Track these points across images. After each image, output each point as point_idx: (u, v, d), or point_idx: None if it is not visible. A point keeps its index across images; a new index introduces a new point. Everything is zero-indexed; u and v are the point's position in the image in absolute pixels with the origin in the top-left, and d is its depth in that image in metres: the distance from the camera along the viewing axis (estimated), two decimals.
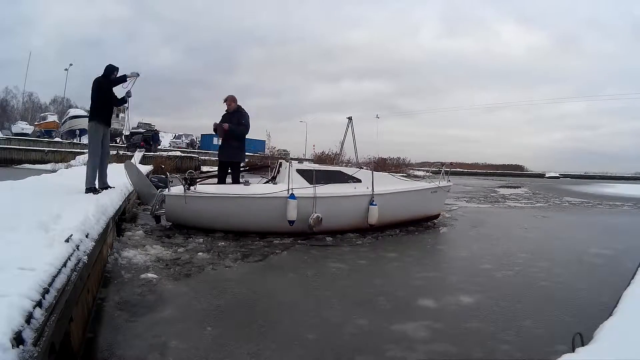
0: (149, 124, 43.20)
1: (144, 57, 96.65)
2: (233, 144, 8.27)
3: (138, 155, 26.22)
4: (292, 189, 7.28)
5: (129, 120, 10.88)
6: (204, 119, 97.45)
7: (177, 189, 7.44)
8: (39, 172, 9.56)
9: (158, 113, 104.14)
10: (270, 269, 5.56)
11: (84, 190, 6.07)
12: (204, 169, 24.83)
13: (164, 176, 9.85)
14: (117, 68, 6.53)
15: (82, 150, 27.76)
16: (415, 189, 9.51)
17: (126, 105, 7.10)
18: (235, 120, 8.18)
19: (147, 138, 31.96)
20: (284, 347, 3.20)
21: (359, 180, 8.39)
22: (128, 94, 6.76)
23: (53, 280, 2.32)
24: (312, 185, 7.62)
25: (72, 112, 38.67)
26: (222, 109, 8.49)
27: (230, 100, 8.26)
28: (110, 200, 5.60)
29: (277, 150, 40.85)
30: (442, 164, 10.70)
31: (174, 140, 45.09)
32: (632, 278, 3.20)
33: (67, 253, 2.78)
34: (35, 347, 1.77)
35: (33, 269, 2.28)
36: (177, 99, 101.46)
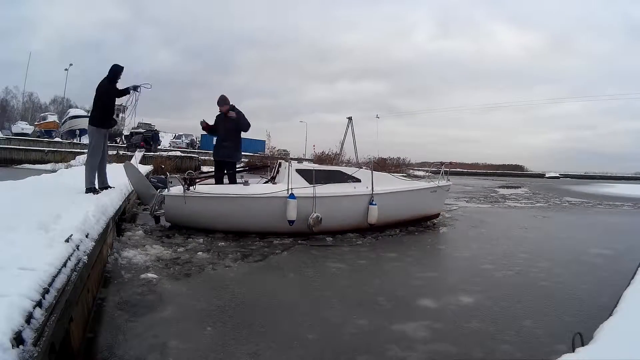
0: (149, 124, 43.13)
1: (143, 58, 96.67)
2: (228, 143, 8.25)
3: (138, 155, 26.18)
4: (291, 188, 7.28)
5: (130, 117, 10.82)
6: (206, 119, 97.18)
7: (176, 189, 7.44)
8: (39, 172, 9.57)
9: (158, 113, 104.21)
10: (270, 269, 5.56)
11: (84, 191, 6.06)
12: (204, 169, 24.82)
13: (163, 177, 9.85)
14: (122, 68, 6.43)
15: (82, 150, 27.76)
16: (415, 189, 9.51)
17: (133, 98, 6.89)
18: (232, 122, 8.20)
19: (147, 138, 31.93)
20: (284, 347, 3.20)
21: (358, 180, 8.39)
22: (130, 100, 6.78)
23: (53, 280, 2.32)
24: (311, 185, 7.62)
25: (72, 112, 38.63)
26: (219, 109, 8.48)
27: (223, 102, 8.26)
28: (110, 200, 5.60)
29: (277, 150, 40.80)
30: (442, 164, 10.71)
31: (174, 140, 45.05)
32: (632, 278, 3.20)
33: (67, 253, 2.78)
34: (35, 347, 1.77)
35: (33, 269, 2.29)
36: (176, 100, 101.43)
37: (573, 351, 1.96)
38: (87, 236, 3.49)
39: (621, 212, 15.76)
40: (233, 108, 8.33)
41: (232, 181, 8.31)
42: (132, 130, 36.70)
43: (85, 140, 35.43)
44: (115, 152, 28.35)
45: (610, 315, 2.34)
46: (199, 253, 5.96)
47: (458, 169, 48.80)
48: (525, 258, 6.57)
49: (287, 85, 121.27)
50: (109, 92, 6.39)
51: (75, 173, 10.25)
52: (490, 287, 4.97)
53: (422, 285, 5.02)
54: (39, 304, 2.01)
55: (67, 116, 37.42)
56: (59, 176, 8.72)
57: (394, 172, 12.05)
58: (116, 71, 6.43)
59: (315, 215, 7.42)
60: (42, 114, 43.07)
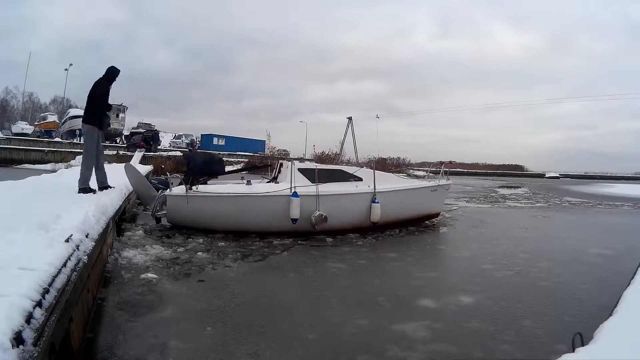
0: (149, 124, 43.17)
1: (143, 59, 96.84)
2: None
3: (138, 155, 26.24)
4: (294, 187, 7.28)
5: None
6: (204, 119, 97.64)
7: (178, 189, 7.42)
8: (39, 172, 9.57)
9: (158, 113, 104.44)
10: (270, 269, 5.56)
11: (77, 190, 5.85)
12: None
13: (164, 178, 9.81)
14: (119, 71, 6.33)
15: (82, 151, 27.75)
16: (416, 187, 9.55)
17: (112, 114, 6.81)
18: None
19: (147, 138, 31.94)
20: (284, 347, 3.20)
21: (360, 179, 8.40)
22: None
23: (53, 280, 2.32)
24: (314, 184, 7.63)
25: (72, 112, 38.59)
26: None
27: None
28: (110, 200, 5.60)
29: (277, 150, 40.79)
30: (441, 163, 10.71)
31: (174, 140, 44.99)
32: (632, 278, 3.20)
33: (67, 253, 2.78)
34: (35, 347, 1.77)
35: (33, 269, 2.28)
36: (176, 100, 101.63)
37: (573, 351, 1.96)
38: (87, 236, 3.48)
39: (621, 212, 15.76)
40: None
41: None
42: (132, 130, 36.76)
43: None
44: (115, 152, 28.39)
45: (610, 315, 2.34)
46: (199, 253, 5.96)
47: (458, 169, 48.82)
48: (525, 258, 6.57)
49: (287, 86, 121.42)
50: (108, 93, 6.33)
51: (75, 173, 10.24)
52: (490, 287, 4.97)
53: (422, 285, 5.02)
54: (39, 304, 2.01)
55: (67, 116, 37.42)
56: (59, 176, 8.72)
57: (394, 172, 12.04)
58: (114, 73, 6.34)
59: (318, 213, 7.41)
60: (42, 114, 43.06)
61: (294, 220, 7.23)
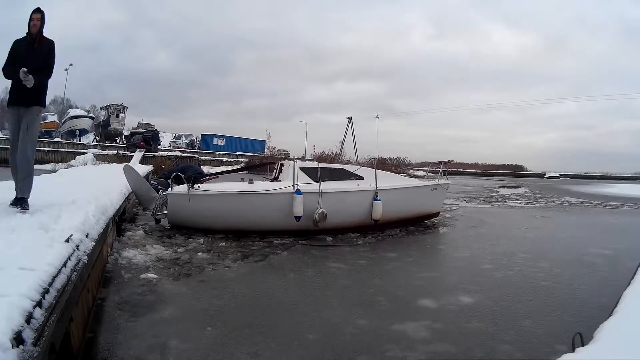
0: (149, 124, 43.17)
1: (143, 60, 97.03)
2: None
3: (138, 155, 26.23)
4: (297, 184, 7.29)
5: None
6: (204, 120, 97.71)
7: (180, 188, 7.41)
8: (39, 172, 9.52)
9: (158, 114, 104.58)
10: (271, 269, 5.56)
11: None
12: (204, 169, 24.83)
13: (164, 179, 9.82)
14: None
15: (82, 151, 27.77)
16: (416, 185, 9.60)
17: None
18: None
19: (147, 138, 31.96)
20: (284, 347, 3.20)
21: (361, 178, 8.42)
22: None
23: (53, 280, 2.32)
24: (316, 182, 7.64)
25: (72, 112, 38.67)
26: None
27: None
28: (110, 200, 5.60)
29: (277, 150, 40.82)
30: (440, 163, 10.71)
31: (174, 140, 45.02)
32: (632, 278, 3.20)
33: (67, 253, 2.78)
34: (35, 347, 1.77)
35: (33, 269, 2.28)
36: (176, 100, 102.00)
37: (573, 351, 1.96)
38: (87, 236, 3.48)
39: (621, 212, 15.76)
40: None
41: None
42: (132, 130, 36.75)
43: (85, 140, 35.52)
44: (115, 152, 28.39)
45: (610, 315, 2.34)
46: (199, 253, 5.96)
47: (458, 169, 48.84)
48: (525, 258, 6.57)
49: (286, 86, 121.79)
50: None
51: (75, 173, 10.25)
52: (490, 287, 4.97)
53: (422, 285, 5.02)
54: (39, 304, 2.00)
55: (67, 116, 37.43)
56: (59, 176, 8.71)
57: (394, 172, 12.05)
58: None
59: (320, 211, 7.42)
60: (42, 114, 43.03)
61: (298, 218, 7.23)
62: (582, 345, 2.04)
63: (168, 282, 4.66)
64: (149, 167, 18.31)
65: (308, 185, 7.48)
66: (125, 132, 37.16)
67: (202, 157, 33.31)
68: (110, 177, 8.57)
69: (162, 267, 5.22)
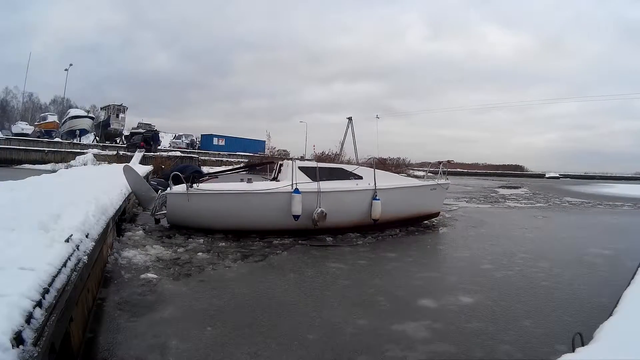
0: (149, 124, 43.16)
1: (142, 61, 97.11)
2: None
3: (138, 155, 26.24)
4: (296, 183, 7.30)
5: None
6: (204, 120, 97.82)
7: (179, 187, 7.42)
8: (39, 172, 9.56)
9: (158, 114, 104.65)
10: (271, 269, 5.56)
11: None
12: (204, 169, 24.83)
13: (163, 179, 9.83)
14: None
15: (82, 151, 27.77)
16: (416, 185, 9.58)
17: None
18: None
19: (147, 138, 31.96)
20: (284, 347, 3.20)
21: (360, 177, 8.42)
22: None
23: (53, 280, 2.32)
24: (314, 182, 7.64)
25: (72, 112, 38.63)
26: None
27: None
28: (110, 200, 5.60)
29: (277, 151, 40.81)
30: (440, 163, 10.71)
31: (174, 140, 44.99)
32: (632, 278, 3.19)
33: (67, 253, 2.78)
34: (35, 347, 1.77)
35: (33, 269, 2.28)
36: (176, 101, 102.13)
37: (573, 351, 1.96)
38: (87, 236, 3.48)
39: (621, 212, 15.76)
40: None
41: None
42: (132, 131, 36.74)
43: (85, 140, 35.50)
44: (115, 152, 28.39)
45: (610, 315, 2.34)
46: (199, 253, 5.96)
47: (458, 169, 48.85)
48: (525, 258, 6.57)
49: (285, 87, 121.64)
50: None
51: (75, 173, 10.25)
52: (490, 287, 4.97)
53: (422, 285, 5.02)
54: (39, 304, 2.01)
55: (67, 116, 37.40)
56: (59, 176, 8.71)
57: (394, 172, 12.04)
58: None
59: (319, 210, 7.42)
60: (42, 114, 43.01)
61: (296, 217, 7.24)
62: (582, 345, 2.04)
63: (168, 282, 4.66)
64: (149, 167, 18.31)
65: (307, 184, 7.48)
66: (125, 132, 37.15)
67: (202, 157, 33.32)
68: (110, 177, 8.57)
69: (162, 267, 5.22)
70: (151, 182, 10.42)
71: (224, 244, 6.71)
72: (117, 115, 36.34)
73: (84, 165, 21.38)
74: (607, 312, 2.51)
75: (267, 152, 41.51)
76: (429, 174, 11.83)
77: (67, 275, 2.54)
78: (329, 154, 31.06)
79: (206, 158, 35.09)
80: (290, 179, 7.40)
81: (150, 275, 4.77)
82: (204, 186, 7.52)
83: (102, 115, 38.18)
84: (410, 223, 9.13)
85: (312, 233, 7.54)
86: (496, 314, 4.06)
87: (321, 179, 7.74)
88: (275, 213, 7.30)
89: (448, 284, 5.14)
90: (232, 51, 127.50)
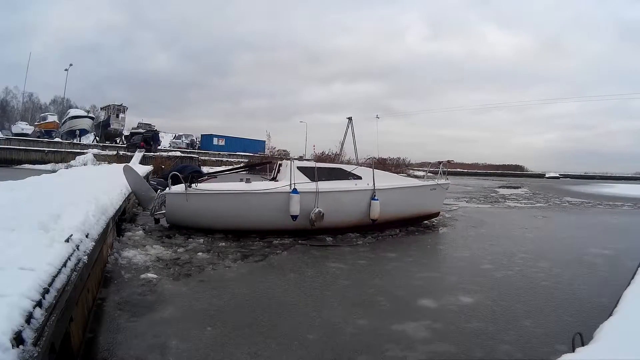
0: (149, 124, 43.17)
1: (142, 61, 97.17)
2: None
3: (138, 155, 26.24)
4: (294, 183, 7.30)
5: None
6: (204, 120, 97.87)
7: (178, 187, 7.43)
8: (39, 172, 9.56)
9: (158, 114, 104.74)
10: (271, 269, 5.56)
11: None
12: (204, 169, 24.83)
13: (163, 179, 9.85)
14: None
15: (82, 151, 27.78)
16: (415, 185, 9.57)
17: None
18: None
19: (147, 138, 31.98)
20: (284, 347, 3.20)
21: (359, 177, 8.42)
22: None
23: (53, 280, 2.32)
24: (313, 182, 7.64)
25: (72, 112, 38.62)
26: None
27: None
28: (110, 200, 5.60)
29: (277, 150, 40.81)
30: (440, 163, 10.71)
31: (174, 140, 44.99)
32: (632, 278, 3.19)
33: (67, 253, 2.78)
34: (35, 347, 1.77)
35: (33, 269, 2.28)
36: (176, 101, 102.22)
37: (573, 351, 1.96)
38: (87, 236, 3.48)
39: (621, 212, 15.76)
40: None
41: None
42: (132, 131, 36.74)
43: (85, 140, 35.51)
44: (115, 152, 28.39)
45: (610, 315, 2.34)
46: (199, 253, 5.96)
47: (458, 169, 48.85)
48: (525, 258, 6.57)
49: (284, 87, 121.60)
50: None
51: (75, 173, 10.25)
52: (490, 287, 4.97)
53: (422, 285, 5.02)
54: (39, 304, 2.01)
55: (67, 116, 37.40)
56: (59, 176, 8.71)
57: (393, 172, 12.04)
58: None
59: (317, 210, 7.42)
60: (42, 114, 43.03)
61: (294, 217, 7.24)
62: (582, 345, 2.04)
63: (168, 282, 4.66)
64: (149, 167, 18.31)
65: (305, 184, 7.48)
66: (125, 132, 37.16)
67: (202, 158, 33.33)
68: (110, 177, 8.57)
69: (162, 267, 5.22)
70: (151, 182, 10.43)
71: (224, 244, 6.71)
72: (117, 115, 36.35)
73: (84, 165, 21.38)
74: (607, 312, 2.51)
75: (267, 152, 41.51)
76: (429, 174, 11.83)
77: (67, 275, 2.54)
78: (329, 154, 31.05)
79: (206, 158, 35.11)
80: (288, 179, 7.41)
81: (150, 275, 4.77)
82: (203, 186, 7.53)
83: (102, 115, 38.19)
84: (410, 223, 9.12)
85: (310, 233, 7.54)
86: (496, 314, 4.06)
87: (320, 179, 7.74)
88: (273, 213, 7.31)
89: (448, 284, 5.14)
90: (232, 51, 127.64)
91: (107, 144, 34.08)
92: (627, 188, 30.29)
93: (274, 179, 8.53)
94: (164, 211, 7.46)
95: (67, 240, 2.96)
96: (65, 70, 42.50)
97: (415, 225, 9.27)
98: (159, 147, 33.44)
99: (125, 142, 34.28)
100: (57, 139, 33.44)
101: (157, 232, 7.33)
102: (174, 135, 47.98)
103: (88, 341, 3.12)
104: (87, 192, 5.89)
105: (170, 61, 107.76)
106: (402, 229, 8.74)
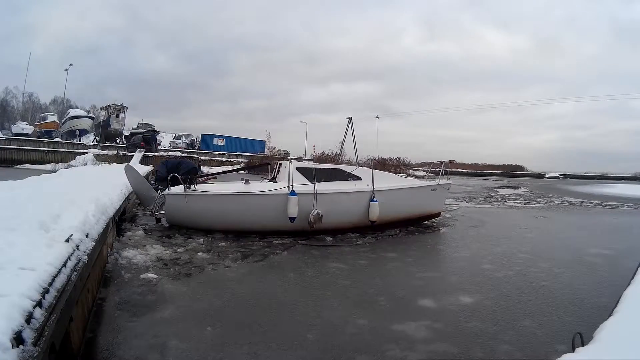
0: (148, 124, 43.15)
1: (142, 62, 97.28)
2: None
3: (138, 155, 26.24)
4: (292, 185, 7.30)
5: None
6: (203, 120, 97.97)
7: (177, 189, 7.45)
8: (39, 172, 9.56)
9: (157, 114, 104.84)
10: (271, 269, 5.56)
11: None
12: (204, 169, 24.84)
13: (160, 173, 9.88)
14: None
15: (82, 151, 27.77)
16: (416, 186, 9.54)
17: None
18: None
19: (147, 138, 31.99)
20: (284, 347, 3.20)
21: (359, 178, 8.41)
22: None
23: (53, 280, 2.32)
24: (312, 183, 7.64)
25: (72, 112, 38.60)
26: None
27: None
28: (110, 200, 5.60)
29: (277, 151, 40.78)
30: (441, 163, 10.70)
31: (174, 140, 44.95)
32: (632, 278, 3.20)
33: (67, 253, 2.78)
34: (35, 347, 1.77)
35: (33, 269, 2.28)
36: (175, 101, 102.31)
37: (573, 351, 1.96)
38: (87, 236, 3.49)
39: (621, 212, 15.76)
40: None
41: None
42: (132, 131, 36.74)
43: (85, 140, 35.51)
44: (115, 152, 28.39)
45: (610, 315, 2.34)
46: (199, 253, 5.96)
47: (458, 169, 48.82)
48: (525, 258, 6.57)
49: (283, 88, 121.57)
50: None
51: (75, 173, 10.25)
52: (490, 287, 4.97)
53: (422, 285, 5.02)
54: (39, 304, 2.01)
55: (67, 116, 37.40)
56: (59, 176, 8.70)
57: (393, 173, 12.04)
58: None
59: (315, 212, 7.42)
60: (42, 114, 43.01)
61: (292, 219, 7.24)
62: (582, 345, 2.04)
63: (168, 282, 4.66)
64: (149, 167, 18.32)
65: (304, 186, 7.48)
66: (125, 133, 37.15)
67: (202, 158, 33.32)
68: (110, 177, 8.57)
69: (162, 267, 5.22)
70: (151, 181, 10.46)
71: (224, 244, 6.71)
72: (117, 115, 36.34)
73: (84, 165, 21.37)
74: (607, 312, 2.51)
75: (267, 152, 41.48)
76: (429, 174, 11.82)
77: (67, 275, 2.54)
78: (329, 154, 31.05)
79: (206, 158, 35.11)
80: (287, 180, 7.40)
81: (150, 275, 4.77)
82: (201, 187, 7.55)
83: (102, 115, 38.17)
84: (410, 223, 9.12)
85: (309, 234, 7.54)
86: (496, 314, 4.06)
87: (319, 180, 7.73)
88: (271, 215, 7.32)
89: (448, 284, 5.14)
90: (231, 52, 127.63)
91: (107, 144, 34.07)
92: (627, 188, 30.28)
93: (273, 179, 8.53)
94: (164, 211, 7.49)
95: (67, 240, 2.96)
96: (65, 70, 42.51)
97: (415, 225, 9.27)
98: (158, 147, 33.45)
99: (125, 142, 34.27)
100: (57, 139, 33.42)
101: (157, 232, 7.33)
102: (174, 135, 47.96)
103: (88, 341, 3.12)
104: (87, 192, 5.89)
105: (169, 62, 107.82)
106: (402, 229, 8.74)
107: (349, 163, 14.06)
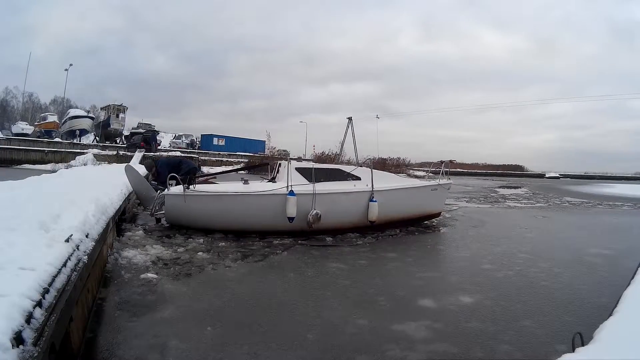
0: (148, 124, 43.16)
1: (142, 62, 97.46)
2: None
3: (138, 155, 26.24)
4: (291, 185, 7.30)
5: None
6: (203, 120, 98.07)
7: (176, 189, 7.46)
8: (39, 172, 9.56)
9: (157, 114, 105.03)
10: (271, 269, 5.56)
11: None
12: (204, 169, 24.82)
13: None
14: None
15: (82, 151, 27.77)
16: (416, 186, 9.53)
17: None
18: None
19: (147, 138, 32.01)
20: (284, 347, 3.20)
21: (358, 178, 8.40)
22: None
23: (53, 280, 2.32)
24: (311, 183, 7.63)
25: (72, 112, 38.60)
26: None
27: None
28: (110, 200, 5.60)
29: (277, 151, 40.78)
30: (442, 162, 10.69)
31: (174, 140, 44.96)
32: (632, 278, 3.20)
33: (67, 253, 2.78)
34: (35, 347, 1.77)
35: (33, 269, 2.28)
36: (175, 101, 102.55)
37: (573, 351, 1.96)
38: (87, 236, 3.49)
39: (621, 212, 15.76)
40: None
41: None
42: (132, 131, 36.75)
43: (85, 140, 35.51)
44: (115, 152, 28.39)
45: (610, 315, 2.34)
46: (199, 253, 5.96)
47: (458, 169, 48.83)
48: (525, 258, 6.57)
49: (283, 88, 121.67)
50: None
51: (75, 173, 10.25)
52: (490, 287, 4.97)
53: (422, 285, 5.02)
54: (39, 304, 2.01)
55: (67, 116, 37.39)
56: (59, 176, 8.70)
57: (393, 173, 12.03)
58: None
59: (314, 212, 7.42)
60: (42, 114, 43.01)
61: (291, 219, 7.24)
62: (582, 345, 2.04)
63: (168, 282, 4.66)
64: None
65: (303, 186, 7.48)
66: (125, 133, 37.16)
67: (202, 157, 33.33)
68: (110, 177, 8.58)
69: (162, 267, 5.22)
70: (151, 181, 10.46)
71: (224, 244, 6.71)
72: (117, 115, 36.34)
73: (84, 165, 21.37)
74: (607, 312, 2.51)
75: (267, 152, 41.47)
76: (429, 174, 11.81)
77: (67, 275, 2.54)
78: (329, 154, 31.04)
79: (206, 158, 35.12)
80: (286, 180, 7.41)
81: (150, 275, 4.77)
82: (200, 187, 7.56)
83: (102, 115, 38.17)
84: (410, 223, 9.11)
85: (309, 234, 7.54)
86: (496, 314, 4.06)
87: (318, 180, 7.73)
88: (270, 215, 7.32)
89: (448, 284, 5.14)
90: (231, 53, 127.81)
91: (107, 144, 34.07)
92: (627, 188, 30.28)
93: (273, 179, 8.52)
94: (163, 211, 7.51)
95: (67, 240, 2.96)
96: (65, 70, 42.54)
97: (415, 225, 9.26)
98: (158, 147, 33.44)
99: (125, 142, 34.28)
100: (57, 139, 33.41)
101: (157, 232, 7.34)
102: (174, 135, 47.97)
103: (88, 341, 3.12)
104: (87, 192, 5.89)
105: (169, 62, 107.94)
106: (402, 229, 8.74)
107: (349, 163, 14.06)
